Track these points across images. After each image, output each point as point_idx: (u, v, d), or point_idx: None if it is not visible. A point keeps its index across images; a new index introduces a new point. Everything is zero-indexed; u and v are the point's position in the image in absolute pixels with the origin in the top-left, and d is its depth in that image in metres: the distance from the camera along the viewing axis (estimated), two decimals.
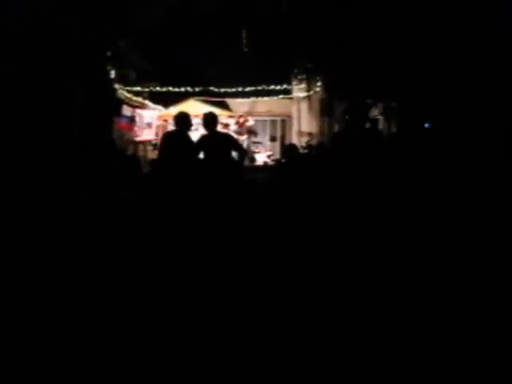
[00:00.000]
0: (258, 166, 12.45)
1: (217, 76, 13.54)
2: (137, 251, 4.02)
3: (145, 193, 4.75)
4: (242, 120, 13.54)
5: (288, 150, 6.21)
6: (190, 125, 5.09)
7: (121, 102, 10.35)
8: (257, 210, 4.77)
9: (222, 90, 12.90)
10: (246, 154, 5.69)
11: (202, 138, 5.22)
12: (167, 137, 5.21)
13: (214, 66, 13.40)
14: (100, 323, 2.91)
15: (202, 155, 5.03)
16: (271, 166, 10.65)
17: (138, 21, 9.82)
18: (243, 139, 12.65)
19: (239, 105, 14.95)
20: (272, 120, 16.17)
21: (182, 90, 12.06)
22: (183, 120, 5.03)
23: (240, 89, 12.77)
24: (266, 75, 13.75)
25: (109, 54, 9.27)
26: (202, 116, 13.28)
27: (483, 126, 6.49)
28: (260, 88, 13.95)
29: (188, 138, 4.96)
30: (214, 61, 13.31)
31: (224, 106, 14.95)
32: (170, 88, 11.96)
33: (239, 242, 4.27)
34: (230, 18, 12.39)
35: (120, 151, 8.22)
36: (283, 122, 16.10)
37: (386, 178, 4.19)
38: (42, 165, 6.11)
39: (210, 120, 5.21)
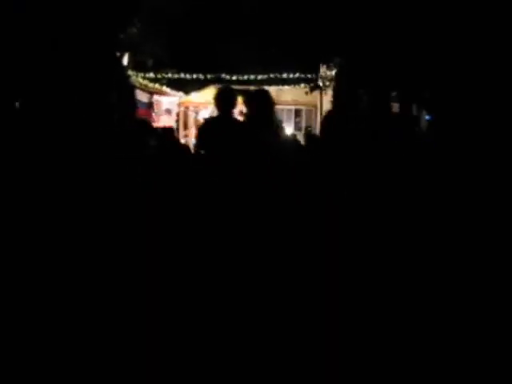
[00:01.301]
0: None
1: (240, 63, 13.33)
2: None
3: None
4: None
5: None
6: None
7: (132, 87, 10.35)
8: None
9: (243, 77, 12.60)
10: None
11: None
12: None
13: (236, 53, 13.19)
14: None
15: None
16: None
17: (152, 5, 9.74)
18: None
19: None
20: (297, 109, 15.80)
21: (195, 76, 11.88)
22: None
23: (259, 76, 12.47)
24: (291, 64, 13.43)
25: (121, 37, 9.19)
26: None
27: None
28: (285, 76, 13.65)
29: None
30: (236, 48, 13.09)
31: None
32: (183, 74, 11.83)
33: None
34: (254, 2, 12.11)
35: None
36: (309, 111, 15.72)
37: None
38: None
39: None
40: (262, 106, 3.78)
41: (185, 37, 11.86)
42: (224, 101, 3.87)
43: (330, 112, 4.28)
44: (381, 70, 9.22)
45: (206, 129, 4.00)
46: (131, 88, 10.28)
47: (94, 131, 6.95)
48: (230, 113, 3.89)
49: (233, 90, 4.12)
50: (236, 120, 3.97)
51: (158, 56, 11.74)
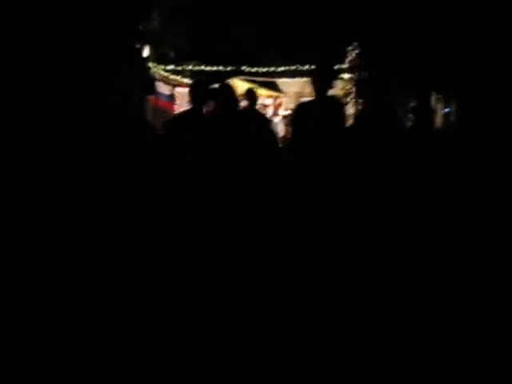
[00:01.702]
0: None
1: (265, 55, 13.26)
2: None
3: None
4: (277, 101, 13.19)
5: None
6: None
7: (153, 79, 10.50)
8: None
9: (264, 69, 12.54)
10: None
11: None
12: None
13: (261, 45, 13.13)
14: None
15: None
16: None
17: None
18: (276, 121, 12.32)
19: (288, 85, 14.53)
20: None
21: (215, 68, 11.89)
22: None
23: (280, 68, 12.37)
24: (317, 55, 13.25)
25: (140, 29, 9.33)
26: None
27: None
28: (309, 67, 13.47)
29: None
30: (260, 39, 13.04)
31: (272, 86, 14.62)
32: (204, 67, 11.87)
33: None
34: None
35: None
36: None
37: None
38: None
39: None
40: (222, 101, 3.77)
41: (206, 29, 11.90)
42: (195, 95, 3.87)
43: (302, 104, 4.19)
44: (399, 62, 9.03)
45: (173, 124, 3.99)
46: (151, 80, 10.44)
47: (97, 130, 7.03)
48: (200, 107, 3.88)
49: (205, 83, 4.09)
50: (203, 116, 3.96)
51: (180, 48, 11.84)
